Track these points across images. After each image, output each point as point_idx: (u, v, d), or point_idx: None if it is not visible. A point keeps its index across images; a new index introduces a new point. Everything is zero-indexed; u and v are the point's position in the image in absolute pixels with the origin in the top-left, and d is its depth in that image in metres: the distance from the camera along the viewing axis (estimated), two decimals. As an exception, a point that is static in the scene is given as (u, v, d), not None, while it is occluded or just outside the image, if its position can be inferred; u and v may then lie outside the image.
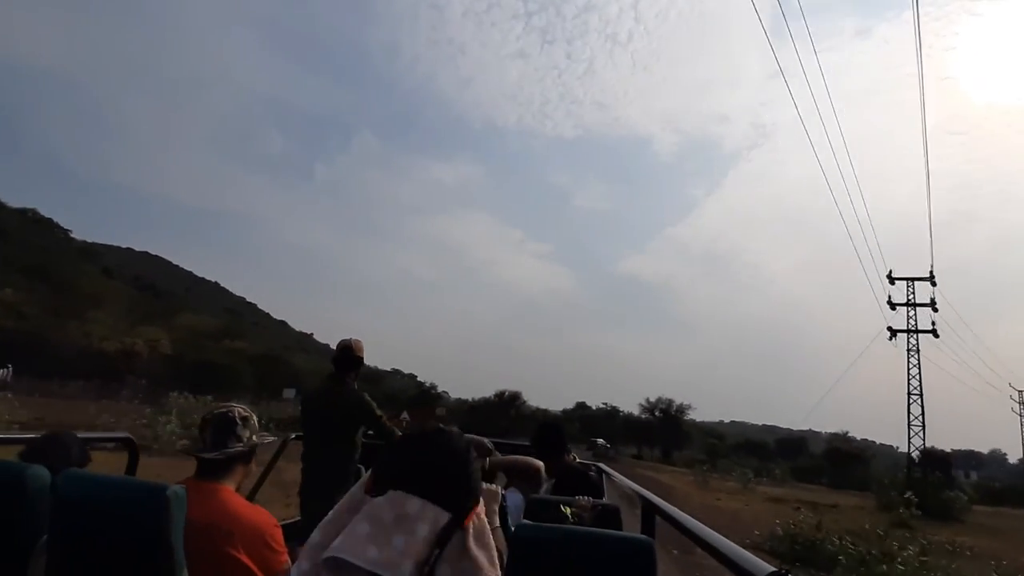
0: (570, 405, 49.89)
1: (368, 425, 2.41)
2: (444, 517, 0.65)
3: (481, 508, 0.73)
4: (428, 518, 0.64)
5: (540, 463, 1.85)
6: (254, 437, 1.30)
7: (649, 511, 1.59)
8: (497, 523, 1.44)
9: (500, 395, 33.36)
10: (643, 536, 1.18)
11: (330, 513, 0.69)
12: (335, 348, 2.56)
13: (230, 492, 1.21)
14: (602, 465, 2.38)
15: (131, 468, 2.00)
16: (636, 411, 47.45)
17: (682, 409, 43.19)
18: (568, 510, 1.47)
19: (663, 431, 41.64)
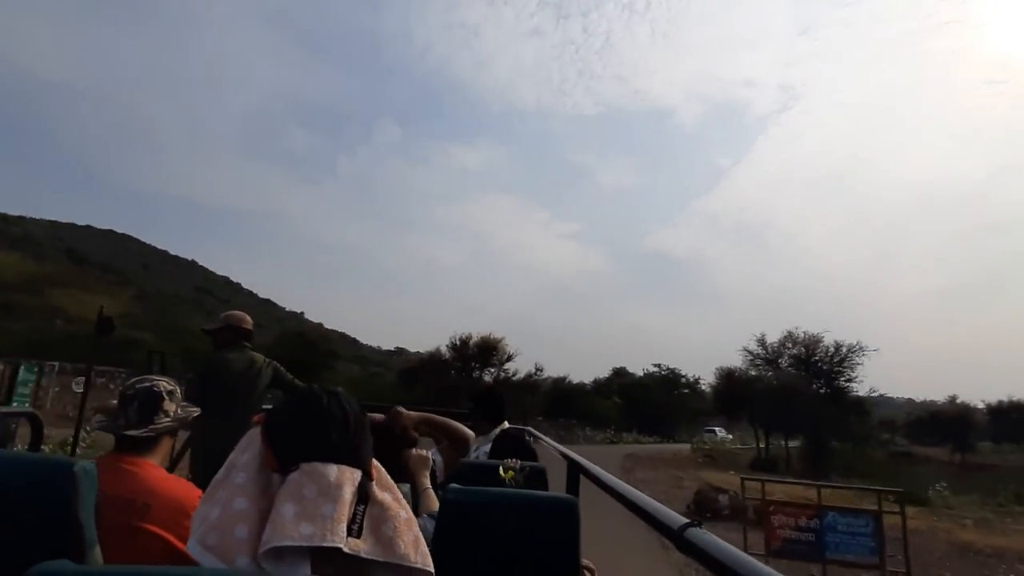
0: (604, 374, 47.90)
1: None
2: (358, 474, 0.78)
3: (346, 475, 0.80)
4: (348, 479, 0.76)
5: (472, 434, 2.15)
6: (179, 410, 1.49)
7: (574, 470, 1.79)
8: (428, 485, 1.68)
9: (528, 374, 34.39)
10: (568, 495, 1.33)
11: (238, 501, 0.72)
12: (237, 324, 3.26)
13: (153, 466, 1.41)
14: (531, 428, 2.74)
15: (35, 444, 2.32)
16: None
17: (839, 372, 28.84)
18: (509, 474, 1.68)
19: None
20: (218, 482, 0.76)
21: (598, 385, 42.71)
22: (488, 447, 2.25)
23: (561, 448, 2.27)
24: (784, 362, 30.56)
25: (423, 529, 1.51)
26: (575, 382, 39.36)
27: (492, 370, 32.33)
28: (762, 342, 30.65)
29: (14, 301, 21.88)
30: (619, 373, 47.78)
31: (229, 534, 0.68)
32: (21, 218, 59.76)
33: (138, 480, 1.36)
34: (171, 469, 1.87)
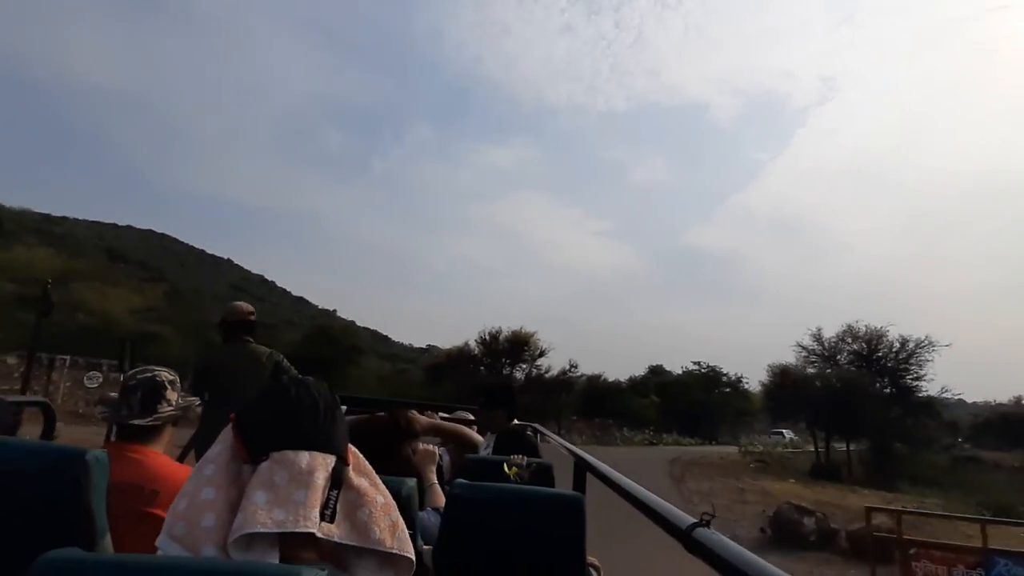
0: (640, 372, 46.30)
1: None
2: (331, 460, 0.80)
3: (318, 461, 0.81)
4: (321, 465, 0.78)
5: (481, 440, 2.20)
6: (180, 400, 1.57)
7: (581, 468, 1.82)
8: (435, 480, 1.73)
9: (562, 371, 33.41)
10: (574, 492, 1.35)
11: (205, 491, 0.74)
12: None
13: (158, 454, 1.49)
14: (537, 425, 2.73)
15: (47, 433, 2.42)
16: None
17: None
18: (513, 471, 1.72)
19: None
20: (191, 476, 0.78)
21: (634, 383, 41.24)
22: (492, 443, 2.30)
23: (568, 445, 2.31)
24: (843, 359, 29.14)
25: (428, 523, 1.52)
26: (610, 380, 38.59)
27: (523, 366, 31.49)
28: (818, 337, 29.37)
29: (33, 294, 23.18)
30: (656, 371, 45.97)
31: (195, 523, 0.70)
32: (64, 218, 63.84)
33: (145, 467, 1.43)
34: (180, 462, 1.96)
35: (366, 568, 0.79)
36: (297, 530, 0.70)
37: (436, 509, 1.57)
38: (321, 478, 0.76)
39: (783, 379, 28.83)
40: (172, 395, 1.55)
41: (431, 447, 1.78)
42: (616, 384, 38.95)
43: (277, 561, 0.71)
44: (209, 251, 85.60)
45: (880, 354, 27.94)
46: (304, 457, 0.76)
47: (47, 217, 57.05)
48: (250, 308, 3.43)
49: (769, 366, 30.08)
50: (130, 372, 1.60)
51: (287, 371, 3.24)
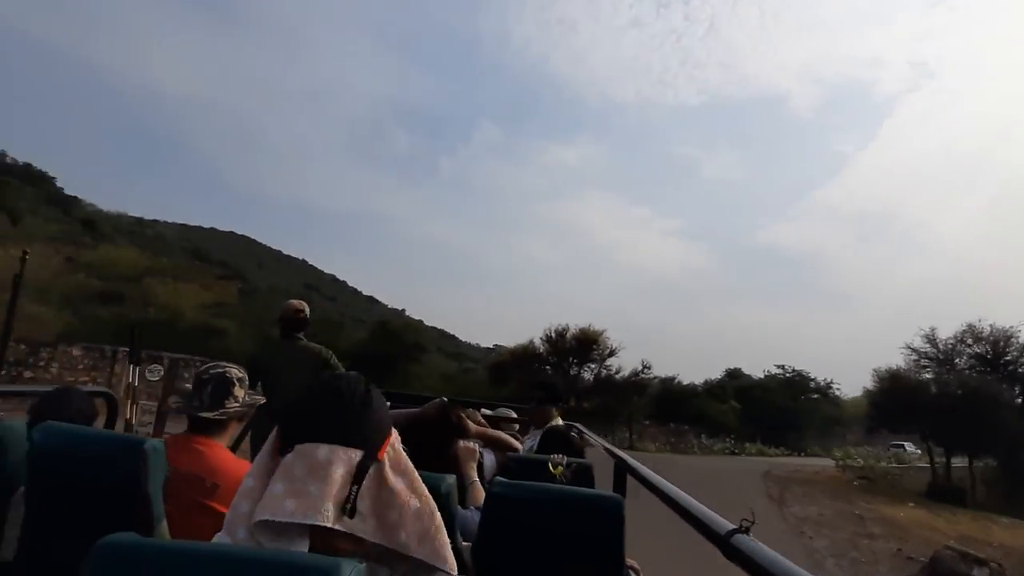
0: (714, 375, 43.38)
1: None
2: (357, 455, 0.81)
3: (395, 439, 0.88)
4: (341, 459, 0.80)
5: (519, 445, 2.27)
6: (247, 397, 1.68)
7: (621, 470, 1.85)
8: (475, 477, 1.76)
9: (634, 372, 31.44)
10: (613, 494, 1.36)
11: (246, 480, 0.81)
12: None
13: (222, 448, 1.61)
14: (579, 426, 2.81)
15: (110, 422, 2.63)
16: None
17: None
18: (558, 470, 1.73)
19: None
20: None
21: (711, 387, 39.52)
22: (536, 441, 2.36)
23: (607, 445, 2.41)
24: (962, 363, 26.46)
25: (468, 520, 1.55)
26: (684, 383, 36.75)
27: (591, 366, 30.16)
28: (931, 338, 26.89)
29: (114, 290, 24.95)
30: (733, 374, 43.91)
31: (235, 509, 0.78)
32: (155, 221, 71.10)
33: (208, 460, 1.54)
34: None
35: (405, 569, 0.81)
36: (306, 522, 0.73)
37: (477, 507, 1.59)
38: (339, 472, 0.77)
39: (893, 384, 25.90)
40: (240, 392, 1.66)
41: (471, 444, 1.81)
42: (691, 388, 37.28)
43: (306, 550, 0.75)
44: (285, 252, 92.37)
45: (1009, 358, 25.22)
46: (323, 450, 0.78)
47: (140, 220, 63.56)
48: (300, 306, 3.58)
49: (875, 370, 27.31)
50: (204, 367, 1.73)
51: (334, 369, 3.38)
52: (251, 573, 0.60)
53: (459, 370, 37.85)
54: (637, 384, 30.38)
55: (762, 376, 42.55)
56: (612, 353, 30.17)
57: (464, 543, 1.36)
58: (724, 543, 0.91)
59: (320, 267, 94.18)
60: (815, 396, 40.32)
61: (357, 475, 0.79)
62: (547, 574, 0.79)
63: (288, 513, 0.73)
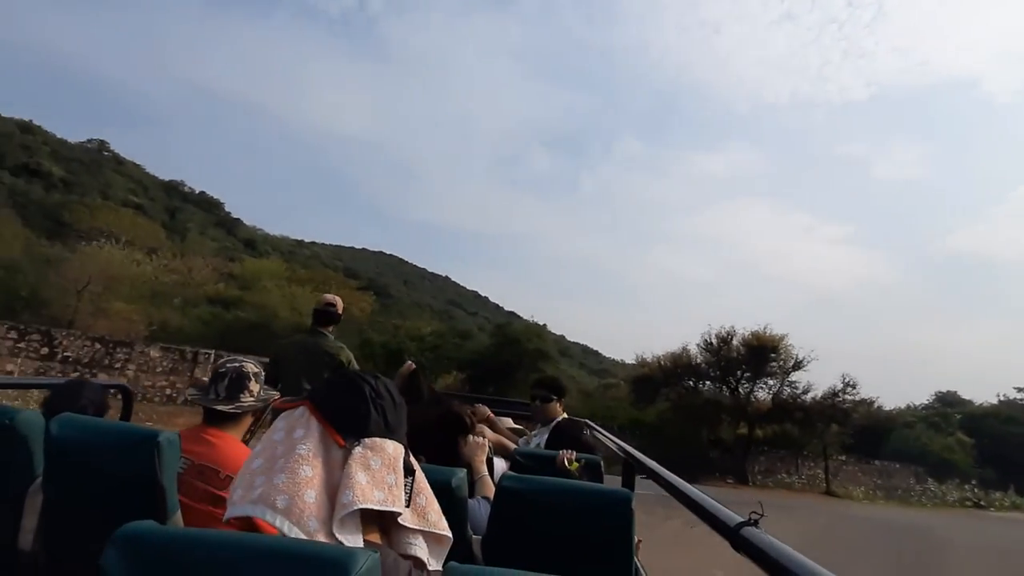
0: (920, 400, 38.24)
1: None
2: (402, 450, 0.96)
3: (398, 449, 0.96)
4: (399, 454, 0.95)
5: (512, 447, 2.39)
6: (262, 391, 1.79)
7: (629, 465, 2.11)
8: (485, 471, 1.87)
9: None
10: (623, 489, 1.46)
11: (304, 469, 0.87)
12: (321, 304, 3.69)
13: (235, 440, 1.70)
14: (588, 421, 3.01)
15: (125, 414, 2.80)
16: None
17: None
18: (574, 465, 1.90)
19: None
20: (262, 454, 0.91)
21: (928, 416, 33.71)
22: (544, 437, 2.51)
23: (619, 442, 2.59)
24: None
25: (476, 512, 1.65)
26: (887, 408, 29.73)
27: (769, 382, 24.25)
28: None
29: (236, 298, 27.53)
30: (948, 400, 38.44)
31: (299, 497, 0.83)
32: (312, 243, 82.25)
33: (221, 452, 1.64)
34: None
35: (420, 545, 0.94)
36: (393, 509, 0.87)
37: (486, 498, 1.69)
38: (401, 466, 0.92)
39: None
40: (255, 387, 1.79)
41: (480, 439, 1.92)
42: (896, 413, 31.81)
43: (361, 543, 0.84)
44: (431, 270, 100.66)
45: None
46: (390, 445, 0.93)
47: (300, 242, 72.69)
48: (332, 299, 3.81)
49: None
50: (221, 361, 1.86)
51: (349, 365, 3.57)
52: (269, 561, 0.64)
53: (599, 386, 37.31)
54: (835, 409, 23.89)
55: (998, 401, 36.10)
56: (798, 366, 23.86)
57: (474, 536, 1.46)
58: (734, 535, 0.98)
59: (463, 283, 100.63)
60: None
61: (407, 468, 0.93)
62: (556, 569, 0.80)
63: (380, 502, 0.86)
